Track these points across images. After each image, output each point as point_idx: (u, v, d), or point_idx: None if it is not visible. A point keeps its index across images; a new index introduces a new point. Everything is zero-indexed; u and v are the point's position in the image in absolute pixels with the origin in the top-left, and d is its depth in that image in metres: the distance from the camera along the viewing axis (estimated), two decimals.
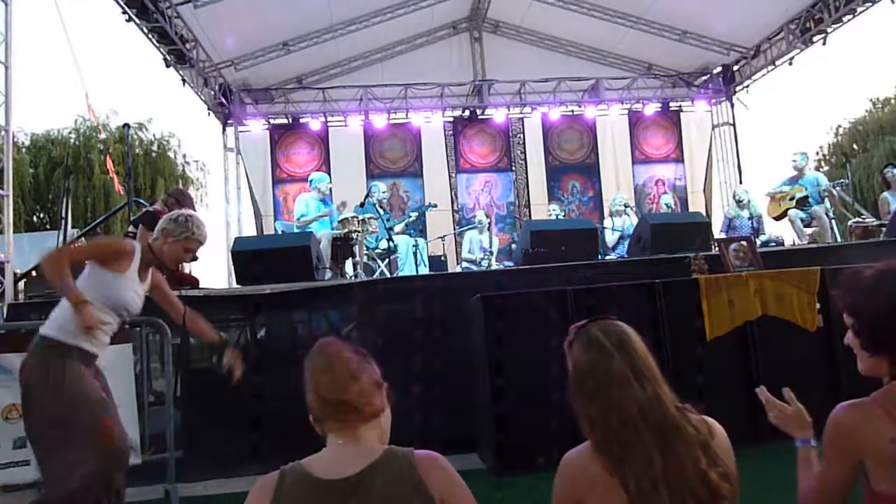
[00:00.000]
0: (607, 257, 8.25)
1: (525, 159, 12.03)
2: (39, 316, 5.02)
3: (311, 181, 7.86)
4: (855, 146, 24.66)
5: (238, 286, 5.85)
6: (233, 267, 6.23)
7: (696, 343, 4.56)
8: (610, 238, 8.65)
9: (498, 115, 11.85)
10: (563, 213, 9.92)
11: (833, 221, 7.88)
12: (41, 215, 20.24)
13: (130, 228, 6.13)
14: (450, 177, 11.76)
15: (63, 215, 6.58)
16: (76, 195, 17.82)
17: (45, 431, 2.76)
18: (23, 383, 2.79)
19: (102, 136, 19.49)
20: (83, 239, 11.16)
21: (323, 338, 1.62)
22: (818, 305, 4.78)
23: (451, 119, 11.94)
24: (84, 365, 2.85)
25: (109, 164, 14.92)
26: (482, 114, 11.94)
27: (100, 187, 18.74)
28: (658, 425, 1.52)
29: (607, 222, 9.03)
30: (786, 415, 1.79)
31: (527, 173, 11.98)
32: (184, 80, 9.77)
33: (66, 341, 2.80)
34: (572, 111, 12.23)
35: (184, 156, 21.89)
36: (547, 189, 11.91)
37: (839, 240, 7.67)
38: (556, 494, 1.63)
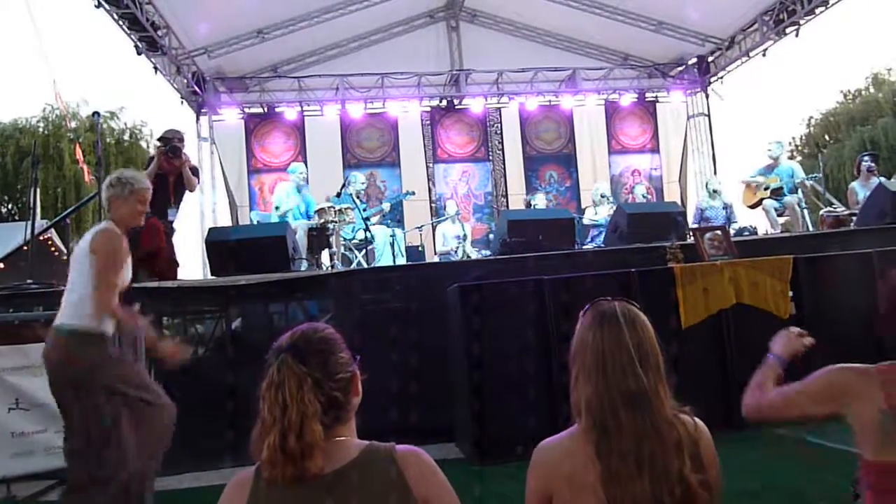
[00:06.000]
0: (585, 246, 8.29)
1: (502, 149, 12.00)
2: (7, 309, 4.92)
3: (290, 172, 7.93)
4: (827, 137, 25.02)
5: (213, 277, 5.78)
6: (207, 258, 6.15)
7: (672, 331, 4.60)
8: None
9: (475, 105, 11.81)
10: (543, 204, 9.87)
11: (805, 211, 8.03)
12: (9, 206, 19.80)
13: None
14: (427, 167, 11.69)
15: (31, 206, 6.41)
16: (46, 185, 17.44)
17: None
18: None
19: (72, 124, 19.07)
20: (53, 230, 10.97)
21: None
22: (791, 293, 4.85)
23: (429, 109, 11.86)
24: None
25: (79, 154, 14.57)
26: (459, 104, 11.87)
27: (70, 177, 18.34)
28: (652, 417, 1.51)
29: (590, 212, 9.05)
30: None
31: (504, 163, 11.95)
32: (156, 68, 9.58)
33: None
34: (549, 101, 12.22)
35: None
36: (524, 179, 11.91)
37: (811, 229, 7.80)
38: (529, 484, 1.60)
